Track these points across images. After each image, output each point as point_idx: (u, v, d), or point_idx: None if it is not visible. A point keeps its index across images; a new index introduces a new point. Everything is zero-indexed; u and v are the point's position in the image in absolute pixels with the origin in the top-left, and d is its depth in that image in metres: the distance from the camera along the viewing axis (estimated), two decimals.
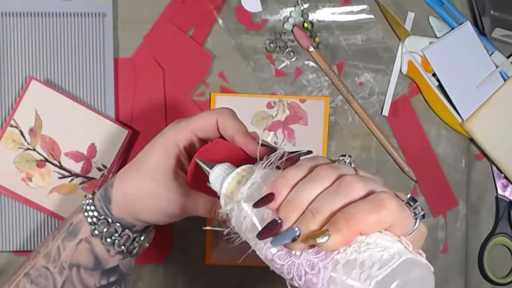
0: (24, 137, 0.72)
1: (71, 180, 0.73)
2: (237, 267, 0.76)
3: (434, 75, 0.76)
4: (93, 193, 0.60)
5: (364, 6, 0.76)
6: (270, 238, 0.42)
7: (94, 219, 0.58)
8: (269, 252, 0.43)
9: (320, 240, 0.39)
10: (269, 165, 0.46)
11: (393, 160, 0.77)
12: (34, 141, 0.72)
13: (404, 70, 0.76)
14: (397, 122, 0.77)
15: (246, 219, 0.44)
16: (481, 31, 0.76)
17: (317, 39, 0.75)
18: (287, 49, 0.75)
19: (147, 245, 0.63)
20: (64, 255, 0.58)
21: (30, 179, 0.73)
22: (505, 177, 0.78)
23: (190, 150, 0.57)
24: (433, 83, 0.76)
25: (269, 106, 0.75)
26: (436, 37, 0.76)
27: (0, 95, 0.73)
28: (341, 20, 0.76)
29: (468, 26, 0.75)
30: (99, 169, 0.73)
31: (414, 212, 0.41)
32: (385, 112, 0.76)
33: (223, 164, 0.49)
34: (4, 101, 0.73)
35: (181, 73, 0.74)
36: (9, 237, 0.73)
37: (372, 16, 0.76)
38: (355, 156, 0.77)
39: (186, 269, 0.76)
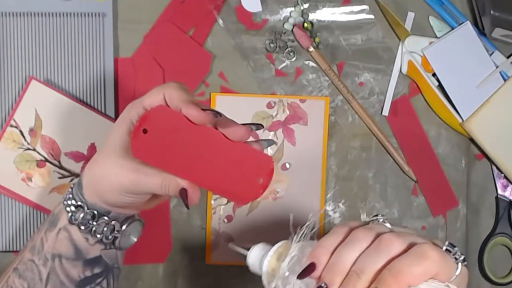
0: (24, 137, 0.72)
1: (71, 180, 0.73)
2: (237, 267, 0.76)
3: (434, 75, 0.76)
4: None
5: (364, 6, 0.76)
6: None
7: (72, 207, 0.58)
8: None
9: None
10: (303, 237, 0.48)
11: (393, 160, 0.77)
12: (34, 141, 0.72)
13: (404, 70, 0.76)
14: (397, 122, 0.77)
15: None
16: (481, 31, 0.76)
17: (317, 39, 0.75)
18: (287, 49, 0.75)
19: (134, 239, 0.62)
20: (47, 245, 0.58)
21: (30, 179, 0.73)
22: (505, 177, 0.78)
23: None
24: (433, 83, 0.76)
25: (269, 106, 0.75)
26: (436, 37, 0.76)
27: (0, 95, 0.73)
28: (341, 20, 0.76)
29: (468, 26, 0.75)
30: None
31: (455, 258, 0.43)
32: (385, 112, 0.76)
33: (258, 245, 0.51)
34: (4, 101, 0.73)
35: (181, 73, 0.74)
36: (9, 237, 0.73)
37: (372, 16, 0.76)
38: (355, 156, 0.77)
39: (186, 269, 0.76)
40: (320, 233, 0.78)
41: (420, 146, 0.77)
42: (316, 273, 0.44)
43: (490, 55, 0.76)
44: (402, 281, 0.41)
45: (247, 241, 0.75)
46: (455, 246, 0.44)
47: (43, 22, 0.73)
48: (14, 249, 0.74)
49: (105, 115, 0.73)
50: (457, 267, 0.43)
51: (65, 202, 0.58)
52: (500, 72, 0.76)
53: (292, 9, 0.75)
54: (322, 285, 0.43)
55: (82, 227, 0.58)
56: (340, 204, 0.77)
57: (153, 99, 0.54)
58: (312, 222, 0.48)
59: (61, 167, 0.73)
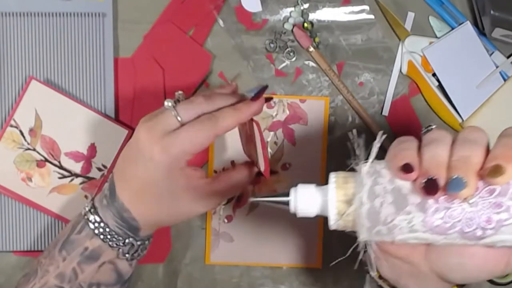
0: (24, 137, 0.72)
1: (71, 180, 0.73)
2: (237, 267, 0.76)
3: (434, 75, 0.76)
4: (94, 213, 0.59)
5: (364, 6, 0.76)
6: (430, 207, 0.44)
7: (120, 244, 0.58)
8: (434, 218, 0.44)
9: (498, 175, 0.42)
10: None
11: None
12: (34, 141, 0.72)
13: (404, 70, 0.76)
14: (397, 122, 0.77)
15: (384, 204, 0.45)
16: (481, 31, 0.76)
17: (317, 39, 0.75)
18: (287, 49, 0.75)
19: None
20: (83, 276, 0.58)
21: (30, 179, 0.73)
22: None
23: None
24: (433, 83, 0.76)
25: (269, 106, 0.75)
26: (436, 37, 0.76)
27: (0, 95, 0.73)
28: (341, 20, 0.76)
29: (468, 26, 0.75)
30: (99, 169, 0.73)
31: None
32: (385, 112, 0.76)
33: (298, 189, 0.50)
34: (4, 101, 0.73)
35: (181, 73, 0.74)
36: (9, 237, 0.73)
37: (372, 16, 0.76)
38: None
39: (186, 269, 0.76)
40: (319, 236, 0.79)
41: None
42: (413, 175, 0.44)
43: (490, 55, 0.76)
44: None
45: (247, 241, 0.75)
46: None
47: (43, 22, 0.73)
48: (14, 249, 0.74)
49: (105, 115, 0.73)
50: None
51: (111, 243, 0.58)
52: (500, 72, 0.76)
53: (292, 9, 0.75)
54: (431, 177, 0.43)
55: (134, 259, 0.60)
56: None
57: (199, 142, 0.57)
58: (381, 139, 0.48)
59: (61, 167, 0.73)
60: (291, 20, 0.75)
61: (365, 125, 0.76)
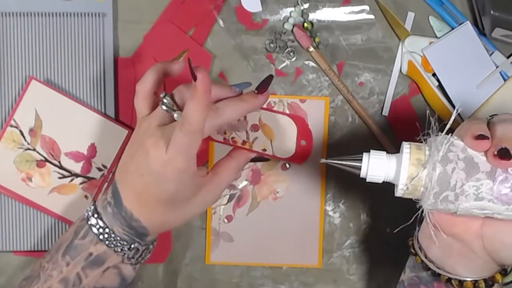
0: (24, 137, 0.72)
1: (71, 180, 0.73)
2: (237, 267, 0.76)
3: (434, 75, 0.76)
4: (98, 218, 0.58)
5: (364, 6, 0.76)
6: (499, 176, 0.48)
7: (125, 249, 0.58)
8: (502, 186, 0.48)
9: None
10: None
11: None
12: (34, 141, 0.72)
13: (404, 70, 0.76)
14: (397, 122, 0.77)
15: (456, 170, 0.48)
16: (481, 31, 0.76)
17: (317, 39, 0.75)
18: (287, 49, 0.75)
19: None
20: (87, 281, 0.58)
21: (30, 179, 0.73)
22: None
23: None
24: (433, 83, 0.76)
25: (269, 106, 0.75)
26: (436, 37, 0.76)
27: (0, 95, 0.73)
28: (341, 20, 0.76)
29: (468, 26, 0.75)
30: (99, 169, 0.73)
31: None
32: (385, 112, 0.76)
33: (370, 155, 0.52)
34: (4, 101, 0.73)
35: (181, 73, 0.74)
36: (9, 237, 0.74)
37: (372, 16, 0.76)
38: None
39: (186, 269, 0.76)
40: (319, 236, 0.79)
41: None
42: (487, 144, 0.48)
43: (490, 55, 0.76)
44: None
45: (247, 241, 0.75)
46: None
47: (43, 22, 0.73)
48: (14, 249, 0.74)
49: (105, 115, 0.73)
50: None
51: (118, 249, 0.58)
52: (500, 72, 0.76)
53: (292, 9, 0.75)
54: (504, 147, 0.47)
55: (138, 263, 0.60)
56: (340, 204, 0.77)
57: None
58: (435, 118, 0.51)
59: (61, 167, 0.73)
60: (291, 20, 0.75)
61: (365, 125, 0.76)
